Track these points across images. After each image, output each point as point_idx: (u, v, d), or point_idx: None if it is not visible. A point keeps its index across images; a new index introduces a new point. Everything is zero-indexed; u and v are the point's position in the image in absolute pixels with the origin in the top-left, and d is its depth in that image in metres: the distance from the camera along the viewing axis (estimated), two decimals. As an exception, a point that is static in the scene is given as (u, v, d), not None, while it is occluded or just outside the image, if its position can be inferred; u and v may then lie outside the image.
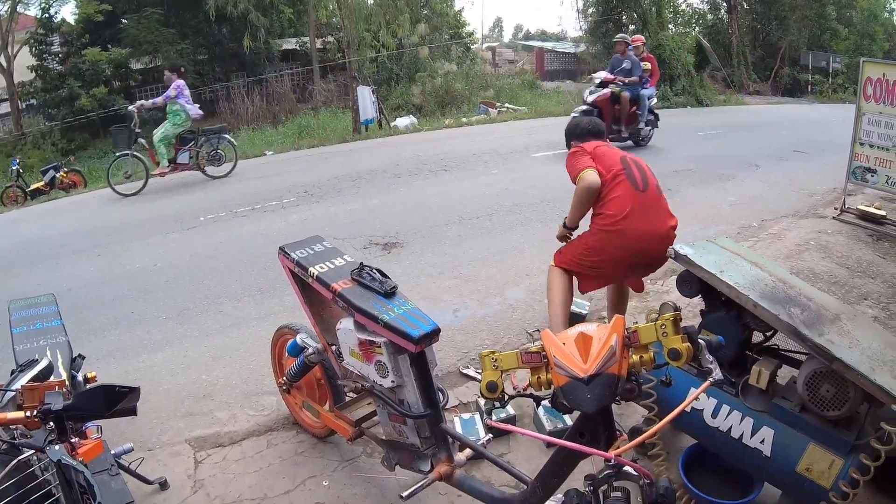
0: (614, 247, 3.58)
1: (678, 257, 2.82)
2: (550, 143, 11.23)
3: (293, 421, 3.69)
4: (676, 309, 1.97)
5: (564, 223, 3.91)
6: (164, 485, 3.26)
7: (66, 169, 15.73)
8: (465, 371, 4.13)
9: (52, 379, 2.21)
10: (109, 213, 9.73)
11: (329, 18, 23.14)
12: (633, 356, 1.77)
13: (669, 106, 17.42)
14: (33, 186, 15.14)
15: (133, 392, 1.84)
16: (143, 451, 3.50)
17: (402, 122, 16.76)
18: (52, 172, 15.20)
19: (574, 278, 3.87)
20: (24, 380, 2.15)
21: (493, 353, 1.89)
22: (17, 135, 23.81)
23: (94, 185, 15.01)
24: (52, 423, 1.80)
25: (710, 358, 1.76)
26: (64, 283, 6.26)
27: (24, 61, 23.61)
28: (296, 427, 3.67)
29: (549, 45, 37.44)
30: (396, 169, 10.08)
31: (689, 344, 1.72)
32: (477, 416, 3.49)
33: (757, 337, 2.88)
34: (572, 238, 3.95)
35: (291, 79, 25.80)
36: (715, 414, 2.67)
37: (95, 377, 2.98)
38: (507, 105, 19.85)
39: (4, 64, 23.43)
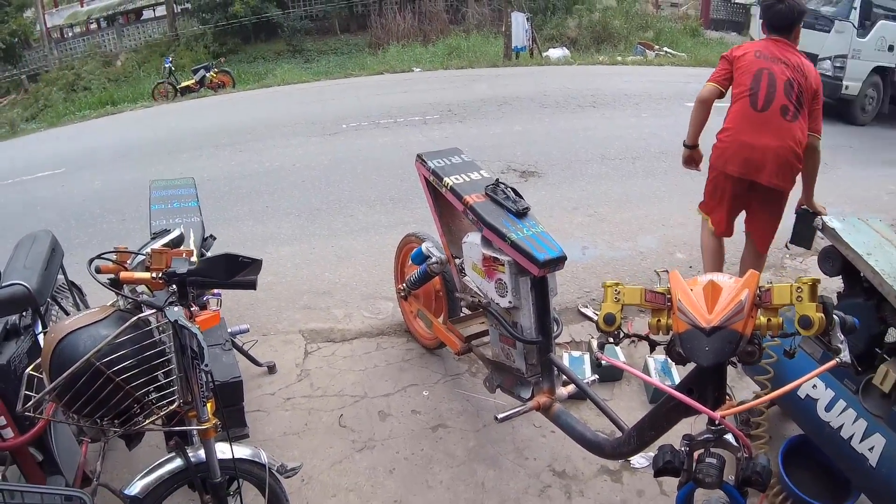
0: (723, 160, 3.51)
1: (825, 229, 2.56)
2: (707, 94, 10.54)
3: (405, 329, 3.76)
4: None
5: (684, 142, 3.84)
6: (272, 369, 3.44)
7: (216, 69, 16.46)
8: (583, 310, 4.04)
9: (182, 248, 2.29)
10: (255, 113, 10.14)
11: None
12: (762, 317, 1.62)
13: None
14: (184, 84, 15.98)
15: (255, 263, 1.87)
16: (258, 334, 3.71)
17: (555, 53, 16.25)
18: (202, 72, 15.97)
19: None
20: (155, 245, 2.18)
21: (617, 284, 1.79)
22: (171, 36, 25.23)
23: (243, 86, 15.71)
24: (174, 287, 1.85)
25: (842, 337, 1.57)
26: (205, 173, 6.61)
27: None
28: (406, 335, 3.74)
29: (717, -11, 34.97)
30: (544, 99, 9.78)
31: (822, 315, 1.55)
32: (586, 356, 3.41)
33: (893, 335, 2.59)
34: (692, 157, 3.89)
35: (444, -1, 25.60)
36: (829, 407, 2.43)
37: None
38: (665, 49, 18.75)
39: None
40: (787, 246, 3.88)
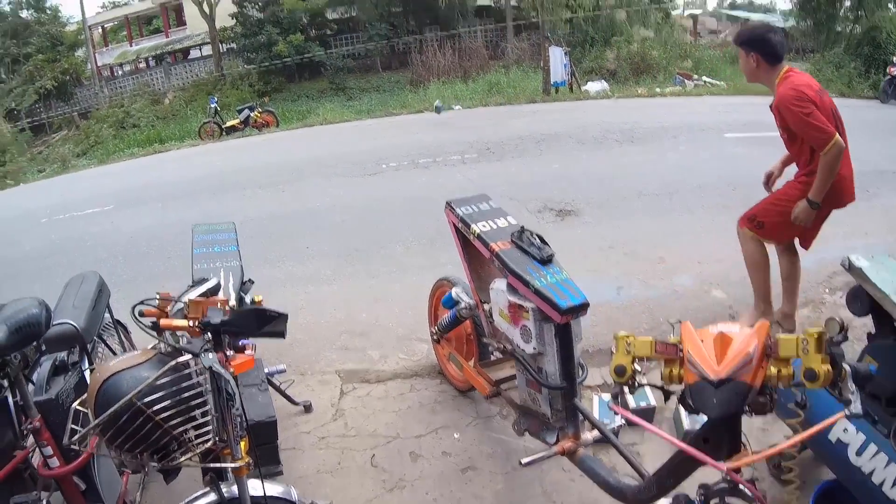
0: (837, 198, 3.59)
1: (851, 269, 2.52)
2: (747, 125, 10.44)
3: (438, 370, 3.83)
4: (843, 327, 1.77)
5: (809, 200, 3.54)
6: (308, 408, 3.54)
7: (260, 109, 16.95)
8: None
9: (219, 296, 2.41)
10: (297, 152, 10.46)
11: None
12: (772, 368, 1.65)
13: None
14: (229, 123, 16.51)
15: (281, 317, 2.00)
16: (296, 374, 3.84)
17: (594, 86, 16.38)
18: (247, 111, 16.48)
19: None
20: (193, 294, 2.34)
21: (628, 336, 1.84)
22: (217, 75, 26.16)
23: (286, 125, 16.10)
24: (209, 334, 1.99)
25: (853, 388, 1.57)
26: (248, 213, 6.85)
27: (226, 9, 25.69)
28: (440, 377, 3.81)
29: (755, 16, 34.68)
30: (582, 135, 9.89)
31: (829, 367, 1.57)
32: (618, 399, 3.42)
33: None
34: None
35: (484, 35, 25.97)
36: (860, 452, 2.37)
37: (262, 301, 3.16)
38: (704, 78, 18.72)
39: (207, 10, 25.72)
40: None
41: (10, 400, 2.21)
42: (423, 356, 4.08)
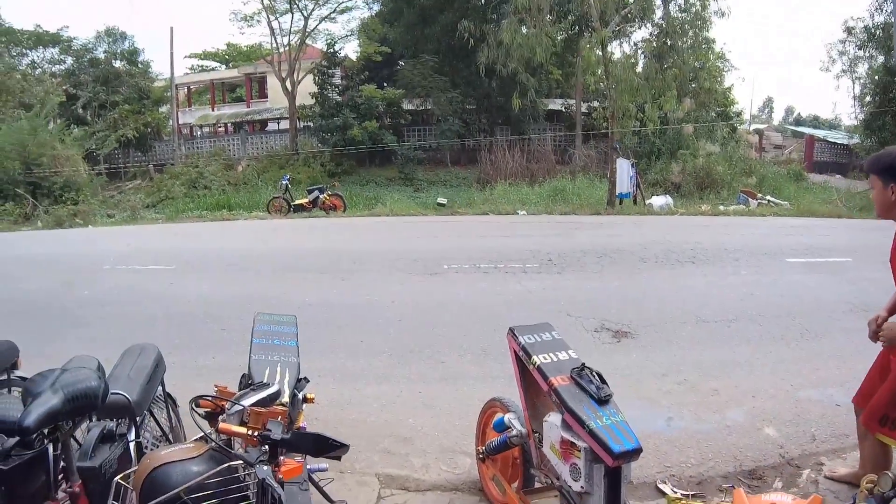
0: None
1: None
2: (809, 249, 10.48)
3: (479, 488, 3.83)
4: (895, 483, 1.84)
5: None
6: None
7: (329, 192, 17.62)
8: (661, 486, 4.00)
9: (278, 403, 2.53)
10: (361, 242, 10.80)
11: (596, 84, 23.58)
12: None
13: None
14: (298, 202, 17.26)
15: (342, 448, 2.11)
16: (335, 471, 3.83)
17: (658, 201, 16.56)
18: (316, 193, 17.20)
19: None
20: (252, 399, 2.42)
21: (679, 499, 1.95)
22: (291, 151, 27.38)
23: (353, 210, 16.61)
24: (266, 447, 2.09)
25: None
26: (306, 297, 7.09)
27: (306, 88, 27.43)
28: (479, 494, 3.80)
29: (820, 132, 34.90)
30: (644, 252, 10.04)
31: None
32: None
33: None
34: None
35: (553, 140, 26.60)
36: None
37: (313, 399, 3.21)
38: (768, 197, 18.76)
39: (290, 87, 27.22)
40: None
41: (51, 451, 2.25)
42: (464, 471, 4.07)
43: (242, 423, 2.25)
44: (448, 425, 4.68)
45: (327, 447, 2.10)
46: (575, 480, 2.61)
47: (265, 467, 2.00)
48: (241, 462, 2.08)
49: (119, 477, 2.18)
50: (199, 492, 1.97)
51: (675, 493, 3.83)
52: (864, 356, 5.31)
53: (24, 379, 3.12)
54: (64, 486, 2.26)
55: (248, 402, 2.33)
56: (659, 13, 16.99)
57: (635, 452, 2.49)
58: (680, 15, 16.98)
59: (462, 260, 9.21)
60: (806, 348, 6.14)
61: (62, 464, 2.29)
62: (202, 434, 2.32)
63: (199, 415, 2.37)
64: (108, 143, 27.11)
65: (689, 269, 9.14)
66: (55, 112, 25.47)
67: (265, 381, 2.88)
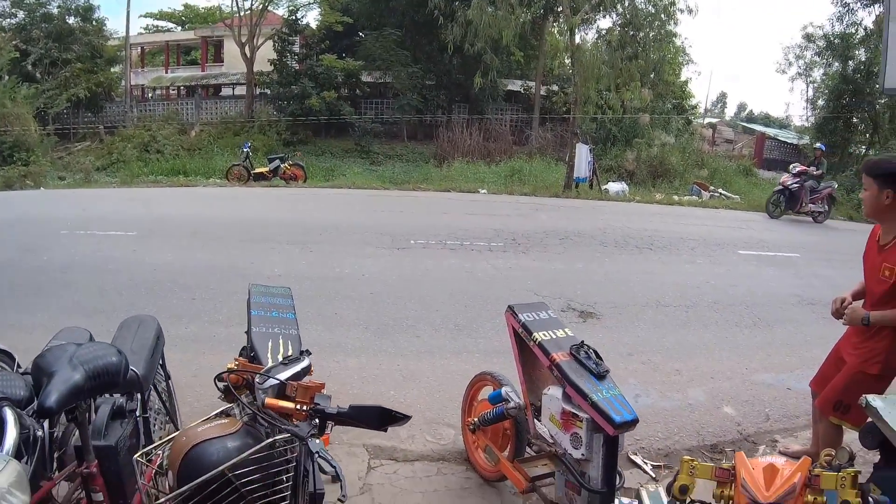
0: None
1: (868, 407, 2.78)
2: (760, 243, 11.02)
3: (465, 458, 3.99)
4: (852, 456, 2.12)
5: (868, 316, 3.33)
6: (335, 477, 3.71)
7: (290, 161, 17.45)
8: (632, 457, 4.25)
9: (307, 379, 2.45)
10: (326, 213, 10.76)
11: (558, 69, 23.71)
12: (809, 496, 1.99)
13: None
14: (258, 170, 16.99)
15: (405, 419, 2.19)
16: None
17: (614, 187, 16.95)
18: (277, 162, 17.00)
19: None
20: (287, 373, 2.33)
21: (693, 460, 2.17)
22: (247, 118, 26.92)
23: (313, 181, 16.48)
24: (316, 420, 2.12)
25: None
26: (275, 268, 7.08)
27: (265, 54, 26.78)
28: (466, 464, 3.96)
29: (771, 130, 35.94)
30: (603, 237, 10.36)
31: (860, 500, 1.93)
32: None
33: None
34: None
35: (511, 120, 26.78)
36: None
37: (312, 372, 3.20)
38: (720, 190, 19.40)
39: (249, 53, 26.72)
40: None
41: (45, 430, 2.21)
42: (450, 441, 4.22)
43: (283, 398, 2.21)
44: (429, 398, 4.82)
45: (391, 419, 2.16)
46: (576, 448, 2.81)
47: (317, 441, 2.03)
48: (287, 436, 2.07)
49: (137, 455, 2.16)
50: (244, 467, 1.98)
51: (647, 463, 4.10)
52: (811, 346, 5.84)
53: (4, 352, 3.07)
54: (73, 466, 2.21)
55: (283, 375, 2.30)
56: (627, 2, 17.21)
57: (633, 422, 2.69)
58: (647, 7, 17.26)
59: (429, 236, 9.33)
60: (759, 336, 6.52)
61: (62, 443, 2.28)
62: (223, 409, 2.36)
63: (220, 390, 2.38)
64: (58, 103, 26.03)
65: (647, 255, 9.49)
66: (6, 68, 24.35)
67: (268, 353, 2.88)
